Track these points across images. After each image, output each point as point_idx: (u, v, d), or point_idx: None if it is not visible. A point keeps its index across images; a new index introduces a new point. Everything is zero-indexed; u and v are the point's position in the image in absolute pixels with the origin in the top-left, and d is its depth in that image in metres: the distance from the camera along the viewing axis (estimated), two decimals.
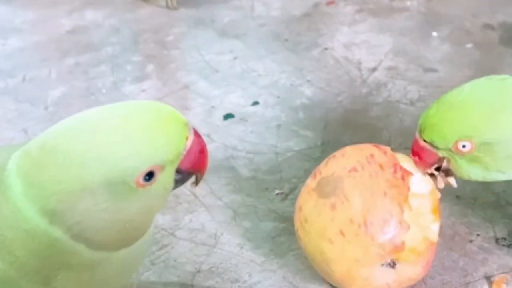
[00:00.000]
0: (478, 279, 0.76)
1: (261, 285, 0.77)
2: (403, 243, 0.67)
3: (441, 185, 0.71)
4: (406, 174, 0.69)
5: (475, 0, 1.39)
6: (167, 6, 1.46)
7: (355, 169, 0.70)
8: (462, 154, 0.66)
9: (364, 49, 1.25)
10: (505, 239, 0.81)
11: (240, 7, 1.45)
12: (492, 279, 0.76)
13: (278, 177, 0.93)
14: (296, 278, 0.77)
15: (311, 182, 0.73)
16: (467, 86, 0.68)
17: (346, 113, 1.07)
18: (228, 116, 1.08)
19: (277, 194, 0.90)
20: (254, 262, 0.80)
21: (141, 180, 0.50)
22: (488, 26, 1.30)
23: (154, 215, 0.56)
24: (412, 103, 1.08)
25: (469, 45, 1.24)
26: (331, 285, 0.75)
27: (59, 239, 0.50)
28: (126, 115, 0.52)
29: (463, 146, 0.65)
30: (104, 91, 1.18)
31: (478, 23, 1.31)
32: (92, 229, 0.50)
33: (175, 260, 0.81)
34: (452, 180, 0.70)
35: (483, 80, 0.68)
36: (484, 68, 1.16)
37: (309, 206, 0.71)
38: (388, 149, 0.72)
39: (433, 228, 0.70)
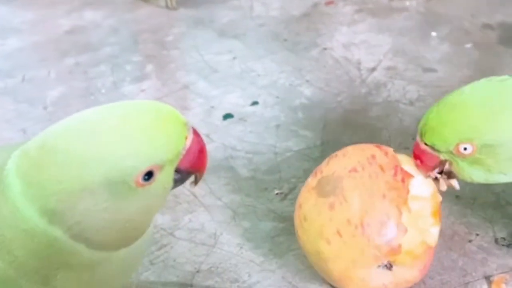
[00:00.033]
0: (478, 279, 0.76)
1: (260, 285, 0.77)
2: (399, 245, 0.67)
3: (444, 187, 0.70)
4: (406, 176, 0.69)
5: (474, 0, 1.39)
6: (167, 6, 1.46)
7: (355, 170, 0.70)
8: (463, 157, 0.65)
9: (363, 49, 1.25)
10: (504, 239, 0.81)
11: (239, 7, 1.45)
12: (491, 279, 0.76)
13: (277, 177, 0.93)
14: (296, 278, 0.77)
15: (311, 181, 0.73)
16: (467, 88, 0.67)
17: (346, 113, 1.07)
18: (227, 116, 1.08)
19: (277, 194, 0.90)
20: (254, 262, 0.80)
21: (140, 180, 0.50)
22: (487, 26, 1.30)
23: (153, 215, 0.56)
24: (411, 103, 1.08)
25: (468, 45, 1.24)
26: (331, 285, 0.75)
27: (58, 238, 0.50)
28: (126, 115, 0.52)
29: (465, 149, 0.64)
30: (103, 91, 1.18)
31: (477, 23, 1.31)
32: (91, 229, 0.50)
33: (174, 260, 0.81)
34: (454, 182, 0.70)
35: (483, 81, 0.68)
36: (483, 68, 1.17)
37: (309, 205, 0.71)
38: (390, 150, 0.72)
39: (432, 232, 0.70)
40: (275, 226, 0.85)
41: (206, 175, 0.60)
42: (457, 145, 0.65)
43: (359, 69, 1.19)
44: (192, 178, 0.58)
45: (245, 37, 1.33)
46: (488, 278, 0.76)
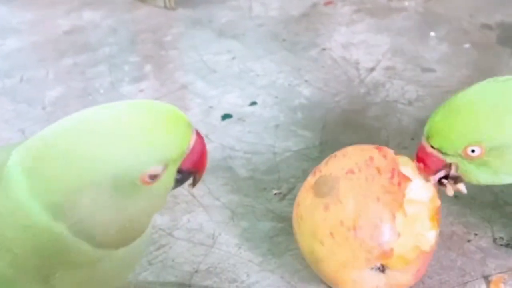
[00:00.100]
0: (476, 279, 0.76)
1: (259, 285, 0.77)
2: (391, 249, 0.66)
3: (451, 192, 0.69)
4: (403, 180, 0.68)
5: (473, 0, 1.39)
6: (165, 7, 1.46)
7: (352, 171, 0.69)
8: (471, 159, 0.65)
9: (362, 49, 1.25)
10: (503, 238, 0.81)
11: (238, 7, 1.45)
12: (490, 278, 0.76)
13: (276, 177, 0.93)
14: (294, 278, 0.77)
15: (310, 179, 0.72)
16: (472, 90, 0.67)
17: (344, 113, 1.07)
18: (226, 116, 1.08)
19: (275, 194, 0.90)
20: (252, 262, 0.80)
21: (146, 178, 0.51)
22: (486, 26, 1.30)
23: (153, 214, 0.56)
24: (410, 103, 1.08)
25: (467, 45, 1.24)
26: (328, 285, 0.75)
27: (61, 235, 0.50)
28: (133, 113, 0.52)
29: (472, 151, 0.64)
30: (101, 91, 1.18)
31: (476, 23, 1.31)
32: (95, 226, 0.50)
33: (173, 260, 0.81)
34: (462, 187, 0.69)
35: (487, 82, 0.67)
36: (482, 68, 1.17)
37: (306, 204, 0.71)
38: (390, 152, 0.71)
39: (428, 236, 0.69)
40: (274, 226, 0.85)
41: (204, 175, 0.60)
42: (466, 147, 0.64)
43: (357, 69, 1.19)
44: (190, 180, 0.58)
45: (244, 37, 1.33)
46: (486, 278, 0.76)
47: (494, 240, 0.81)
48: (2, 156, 0.53)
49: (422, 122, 1.01)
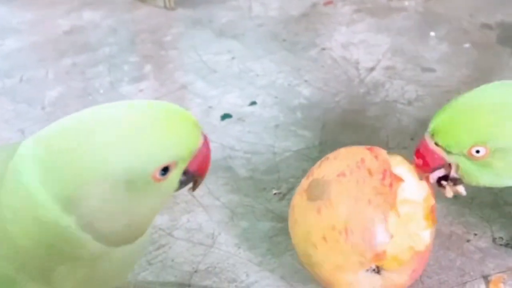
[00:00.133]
0: (476, 279, 0.76)
1: (258, 285, 0.77)
2: (384, 251, 0.66)
3: (450, 194, 0.69)
4: (395, 181, 0.68)
5: (473, 0, 1.39)
6: (165, 7, 1.46)
7: (343, 174, 0.69)
8: (475, 160, 0.64)
9: (362, 49, 1.25)
10: (502, 238, 0.81)
11: (238, 7, 1.45)
12: (489, 278, 0.76)
13: (275, 177, 0.93)
14: (294, 278, 0.77)
15: (304, 182, 0.72)
16: (480, 91, 0.67)
17: (344, 113, 1.07)
18: (225, 116, 1.08)
19: (275, 194, 0.90)
20: (252, 262, 0.80)
21: (157, 174, 0.51)
22: (486, 26, 1.30)
23: (156, 214, 0.56)
24: (409, 102, 1.08)
25: (467, 45, 1.24)
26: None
27: (68, 228, 0.50)
28: (148, 111, 0.53)
29: (477, 152, 0.64)
30: (101, 91, 1.18)
31: (476, 23, 1.31)
32: (103, 220, 0.51)
33: (172, 260, 0.81)
34: (461, 189, 0.69)
35: (497, 83, 0.67)
36: (482, 67, 1.17)
37: (300, 208, 0.71)
38: (382, 152, 0.71)
39: (423, 236, 0.68)
40: (273, 226, 0.85)
41: None
42: (471, 147, 0.64)
43: (357, 69, 1.19)
44: (189, 184, 0.59)
45: (244, 37, 1.33)
46: (486, 278, 0.76)
47: (494, 240, 0.81)
48: (2, 156, 0.53)
49: (422, 122, 1.02)
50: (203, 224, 0.86)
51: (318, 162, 0.73)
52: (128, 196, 0.51)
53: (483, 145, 0.63)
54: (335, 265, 0.68)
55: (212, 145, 0.98)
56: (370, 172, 0.68)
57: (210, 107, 1.11)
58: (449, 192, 0.69)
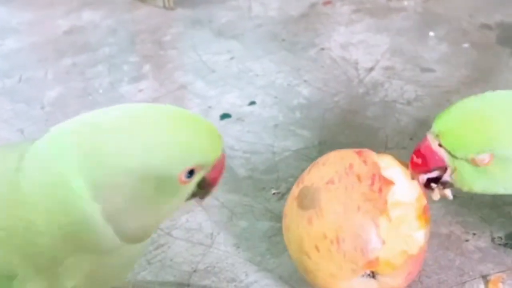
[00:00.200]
0: (475, 278, 0.76)
1: (257, 285, 0.77)
2: (377, 258, 0.66)
3: (437, 197, 0.69)
4: (385, 185, 0.67)
5: (472, 0, 1.39)
6: (164, 7, 1.46)
7: (332, 181, 0.68)
8: (476, 165, 0.64)
9: (361, 49, 1.25)
10: (501, 238, 0.81)
11: (238, 7, 1.45)
12: (488, 278, 0.76)
13: (275, 176, 0.93)
14: (293, 278, 0.77)
15: (294, 190, 0.72)
16: (490, 95, 0.66)
17: (343, 113, 1.07)
18: (225, 116, 1.08)
19: (274, 193, 0.90)
20: (251, 262, 0.80)
21: (184, 176, 0.54)
22: (485, 26, 1.30)
23: (170, 217, 0.59)
24: (409, 103, 1.08)
25: (466, 45, 1.24)
26: None
27: (93, 216, 0.51)
28: (181, 116, 0.56)
29: (481, 158, 0.64)
30: (101, 91, 1.18)
31: (475, 23, 1.31)
32: (127, 214, 0.53)
33: (171, 260, 0.81)
34: (448, 192, 0.69)
35: (504, 91, 0.67)
36: (481, 68, 1.17)
37: (291, 215, 0.71)
38: (371, 156, 0.70)
39: (417, 237, 0.68)
40: (272, 225, 0.85)
41: None
42: (477, 153, 0.63)
43: (356, 69, 1.19)
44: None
45: (243, 37, 1.33)
46: (485, 277, 0.76)
47: (493, 239, 0.81)
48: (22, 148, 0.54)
49: (421, 122, 1.02)
50: (202, 224, 0.86)
51: (308, 168, 0.73)
52: (154, 193, 0.53)
53: (489, 152, 0.63)
54: (328, 273, 0.68)
55: None
56: (358, 178, 0.68)
57: (209, 107, 1.11)
58: (436, 195, 0.69)
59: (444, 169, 0.66)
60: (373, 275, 0.68)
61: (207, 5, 1.46)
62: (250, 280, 0.77)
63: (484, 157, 0.63)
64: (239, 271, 0.79)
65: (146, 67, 1.25)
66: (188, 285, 0.77)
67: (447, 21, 1.32)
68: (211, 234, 0.84)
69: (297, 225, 0.69)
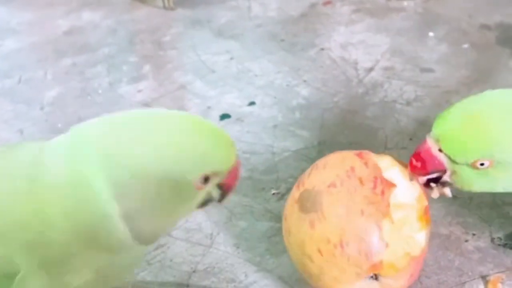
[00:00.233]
0: (474, 279, 0.76)
1: (257, 285, 0.77)
2: (381, 261, 0.66)
3: (436, 195, 0.69)
4: (387, 187, 0.67)
5: (472, 0, 1.39)
6: (164, 7, 1.46)
7: (334, 185, 0.68)
8: (476, 169, 0.64)
9: (360, 49, 1.25)
10: (501, 238, 0.81)
11: (237, 8, 1.45)
12: (488, 278, 0.76)
13: (274, 177, 0.93)
14: (292, 278, 0.77)
15: (295, 193, 0.71)
16: (489, 96, 0.66)
17: (343, 113, 1.07)
18: (224, 116, 1.08)
19: (274, 194, 0.90)
20: (250, 262, 0.80)
21: (199, 182, 0.56)
22: (485, 27, 1.30)
23: (182, 220, 0.61)
24: (408, 103, 1.08)
25: (466, 46, 1.24)
26: None
27: (111, 215, 0.53)
28: (199, 124, 0.58)
29: (482, 164, 0.64)
30: (100, 91, 1.18)
31: (475, 24, 1.31)
32: (143, 215, 0.54)
33: (171, 260, 0.81)
34: (447, 191, 0.69)
35: (503, 90, 0.67)
36: (481, 68, 1.17)
37: (292, 219, 0.70)
38: (371, 158, 0.70)
39: (418, 238, 0.68)
40: (272, 226, 0.85)
41: None
42: (478, 159, 0.63)
43: (356, 69, 1.19)
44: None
45: (243, 37, 1.33)
46: (484, 278, 0.76)
47: (492, 240, 0.81)
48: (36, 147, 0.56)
49: (420, 123, 1.02)
50: (202, 224, 0.86)
51: (308, 171, 0.72)
52: (170, 197, 0.55)
53: (490, 158, 0.63)
54: (332, 277, 0.68)
55: None
56: (361, 181, 0.68)
57: (209, 107, 1.11)
58: (435, 193, 0.69)
59: (443, 171, 0.66)
60: (376, 277, 0.68)
61: (206, 5, 1.46)
62: (249, 281, 0.77)
63: (484, 162, 0.63)
64: (238, 272, 0.79)
65: (146, 67, 1.24)
66: (188, 285, 0.77)
67: (447, 22, 1.32)
68: (211, 234, 0.84)
69: (299, 228, 0.69)
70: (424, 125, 1.00)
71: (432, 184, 0.68)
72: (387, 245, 0.66)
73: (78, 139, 0.54)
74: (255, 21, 1.39)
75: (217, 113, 1.09)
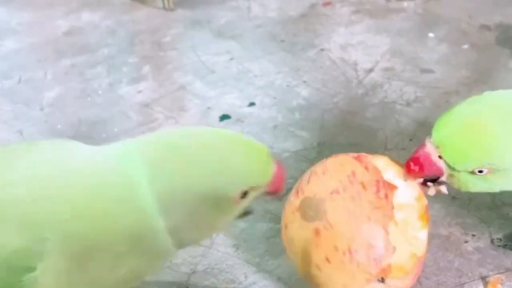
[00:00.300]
0: (474, 280, 0.76)
1: (256, 286, 0.77)
2: (389, 265, 0.66)
3: (432, 192, 0.69)
4: (389, 190, 0.67)
5: (471, 1, 1.39)
6: (164, 7, 1.46)
7: (336, 191, 0.68)
8: (475, 175, 0.64)
9: (360, 50, 1.25)
10: (500, 239, 0.81)
11: (237, 8, 1.45)
12: (487, 279, 0.76)
13: None
14: (292, 279, 0.77)
15: (294, 200, 0.71)
16: (489, 96, 0.66)
17: (342, 114, 1.07)
18: (224, 117, 1.08)
19: None
20: (250, 263, 0.80)
21: (238, 197, 0.59)
22: (484, 27, 1.30)
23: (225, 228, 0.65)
24: (408, 104, 1.08)
25: (466, 46, 1.24)
26: None
27: (157, 227, 0.56)
28: (235, 142, 0.61)
29: (480, 171, 0.64)
30: (100, 92, 1.18)
31: (475, 24, 1.31)
32: (187, 229, 0.58)
33: (170, 261, 0.81)
34: (443, 188, 0.69)
35: (502, 91, 0.67)
36: (481, 69, 1.17)
37: (294, 227, 0.70)
38: (370, 161, 0.69)
39: (421, 237, 0.68)
40: (272, 227, 0.85)
41: None
42: (477, 167, 0.64)
43: (356, 70, 1.19)
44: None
45: (242, 38, 1.33)
46: (484, 279, 0.76)
47: (492, 241, 0.81)
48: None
49: (420, 123, 1.02)
50: None
51: (306, 177, 0.72)
52: (211, 211, 0.58)
53: (489, 166, 0.63)
54: (341, 284, 0.67)
55: None
56: (363, 186, 0.67)
57: (208, 108, 1.11)
58: (431, 191, 0.69)
59: (440, 175, 0.67)
60: (382, 280, 0.68)
61: (206, 6, 1.46)
62: (249, 281, 0.77)
63: (484, 169, 0.63)
64: (238, 272, 0.79)
65: (146, 68, 1.24)
66: (187, 286, 0.77)
67: (447, 22, 1.32)
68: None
69: (303, 237, 0.68)
70: (424, 126, 1.00)
71: (429, 183, 0.68)
72: (394, 248, 0.66)
73: (128, 155, 0.57)
74: (255, 22, 1.39)
75: (217, 114, 1.09)
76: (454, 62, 1.19)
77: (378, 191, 0.67)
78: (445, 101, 1.07)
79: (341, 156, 0.72)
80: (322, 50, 1.26)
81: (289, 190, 0.89)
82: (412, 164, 0.67)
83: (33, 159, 0.58)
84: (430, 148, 0.66)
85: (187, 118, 1.09)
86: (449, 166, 0.65)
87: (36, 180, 0.56)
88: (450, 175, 0.66)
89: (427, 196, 0.70)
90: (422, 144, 0.67)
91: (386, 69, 1.18)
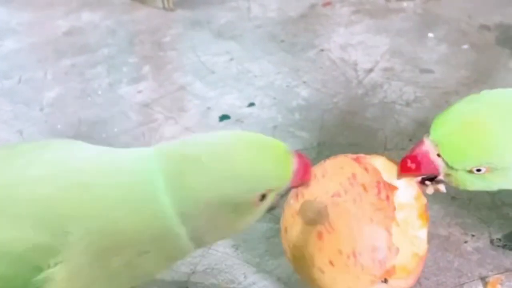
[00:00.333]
0: (473, 280, 0.76)
1: (256, 286, 0.77)
2: (393, 266, 0.66)
3: (431, 191, 0.69)
4: (390, 191, 0.67)
5: (471, 1, 1.39)
6: (164, 8, 1.46)
7: (338, 194, 0.67)
8: (473, 174, 0.64)
9: (360, 50, 1.25)
10: (500, 240, 0.81)
11: (237, 8, 1.45)
12: (487, 279, 0.76)
13: None
14: (291, 279, 0.77)
15: (294, 204, 0.70)
16: (488, 95, 0.66)
17: (342, 114, 1.07)
18: (224, 117, 1.08)
19: None
20: (249, 263, 0.80)
21: (257, 200, 0.59)
22: (484, 27, 1.30)
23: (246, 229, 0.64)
24: (408, 104, 1.08)
25: (466, 46, 1.24)
26: None
27: (178, 235, 0.57)
28: (256, 145, 0.61)
29: (478, 170, 0.64)
30: (100, 92, 1.18)
31: (475, 24, 1.31)
32: (209, 234, 0.59)
33: None
34: (441, 187, 0.69)
35: (500, 90, 0.67)
36: (481, 69, 1.17)
37: (296, 231, 0.69)
38: (369, 162, 0.69)
39: (421, 236, 0.68)
40: (271, 227, 0.85)
41: None
42: (475, 166, 0.64)
43: (356, 70, 1.19)
44: None
45: (242, 38, 1.33)
46: (483, 279, 0.76)
47: (491, 241, 0.81)
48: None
49: (420, 123, 1.02)
50: None
51: None
52: (231, 216, 0.59)
53: (488, 165, 0.63)
54: (345, 287, 0.67)
55: None
56: (364, 188, 0.67)
57: (208, 108, 1.11)
58: (430, 189, 0.69)
59: (437, 173, 0.66)
60: (385, 280, 0.68)
61: (206, 6, 1.46)
62: (248, 282, 0.77)
63: (482, 168, 0.63)
64: (237, 273, 0.79)
65: (146, 68, 1.25)
66: (187, 286, 0.77)
67: (447, 22, 1.32)
68: None
69: (305, 241, 0.68)
70: (424, 126, 1.00)
71: (427, 182, 0.68)
72: (398, 249, 0.66)
73: (147, 164, 0.57)
74: (254, 22, 1.39)
75: (216, 114, 1.09)
76: (453, 62, 1.19)
77: (379, 192, 0.67)
78: (445, 101, 1.07)
79: (340, 158, 0.71)
80: (322, 50, 1.26)
81: (290, 190, 0.90)
82: (409, 161, 0.67)
83: (56, 157, 0.58)
84: (428, 146, 0.65)
85: (187, 118, 1.09)
86: (447, 164, 0.65)
87: (61, 176, 0.56)
88: (448, 174, 0.66)
89: (426, 196, 0.70)
90: (420, 142, 0.67)
91: (386, 69, 1.18)
